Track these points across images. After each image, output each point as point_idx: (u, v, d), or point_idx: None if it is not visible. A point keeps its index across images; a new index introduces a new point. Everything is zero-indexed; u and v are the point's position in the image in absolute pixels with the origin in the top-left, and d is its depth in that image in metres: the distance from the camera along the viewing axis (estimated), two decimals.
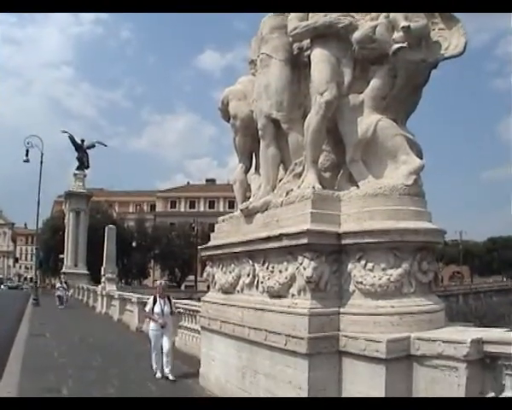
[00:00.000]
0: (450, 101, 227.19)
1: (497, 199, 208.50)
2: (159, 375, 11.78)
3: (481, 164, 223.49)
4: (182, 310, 15.96)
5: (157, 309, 12.28)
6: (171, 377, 11.56)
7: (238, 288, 9.49)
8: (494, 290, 79.56)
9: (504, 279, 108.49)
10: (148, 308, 12.60)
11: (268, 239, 8.17)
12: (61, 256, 61.41)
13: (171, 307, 12.64)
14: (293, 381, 7.35)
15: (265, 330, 8.02)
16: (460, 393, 6.02)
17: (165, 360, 11.96)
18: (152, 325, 12.38)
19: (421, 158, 7.89)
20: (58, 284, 41.72)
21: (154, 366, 12.09)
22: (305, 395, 7.05)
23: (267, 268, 8.42)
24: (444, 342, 6.28)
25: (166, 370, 11.80)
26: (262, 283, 8.52)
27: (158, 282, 13.93)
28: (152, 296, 12.87)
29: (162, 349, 12.11)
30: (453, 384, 6.12)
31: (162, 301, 12.41)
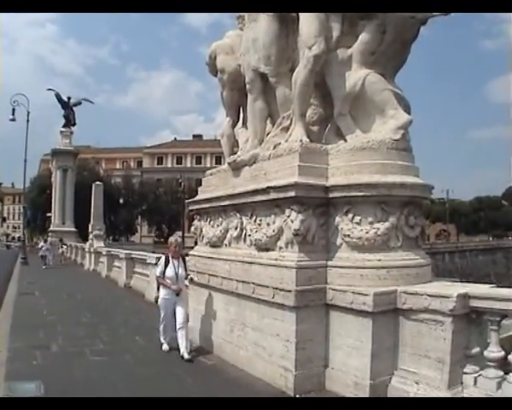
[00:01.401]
0: (439, 59, 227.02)
1: (485, 159, 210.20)
2: (166, 347, 9.96)
3: (469, 123, 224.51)
4: None
5: (170, 273, 9.87)
6: (186, 356, 9.26)
7: (226, 241, 9.52)
8: (480, 249, 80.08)
9: (490, 239, 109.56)
10: (158, 271, 10.10)
11: (255, 192, 8.17)
12: (49, 214, 61.07)
13: (186, 270, 10.27)
14: (280, 333, 7.44)
15: (253, 284, 8.08)
16: (446, 347, 6.13)
17: (179, 334, 9.58)
18: (163, 291, 9.97)
19: (409, 113, 7.87)
20: (41, 243, 41.19)
21: (162, 339, 10.14)
22: (292, 347, 7.15)
23: (255, 221, 8.44)
24: (430, 296, 6.38)
25: (182, 348, 9.43)
26: (250, 236, 8.54)
27: (172, 238, 10.69)
28: (163, 256, 10.37)
29: (175, 321, 9.80)
30: (439, 338, 6.24)
31: (176, 263, 9.98)
